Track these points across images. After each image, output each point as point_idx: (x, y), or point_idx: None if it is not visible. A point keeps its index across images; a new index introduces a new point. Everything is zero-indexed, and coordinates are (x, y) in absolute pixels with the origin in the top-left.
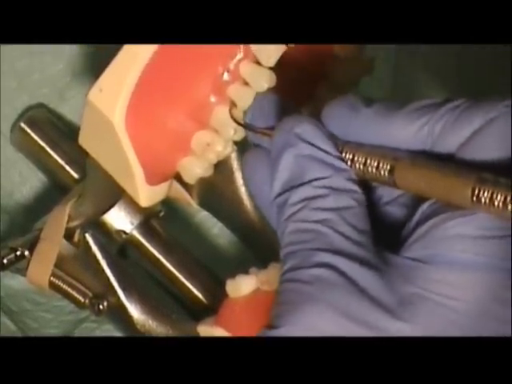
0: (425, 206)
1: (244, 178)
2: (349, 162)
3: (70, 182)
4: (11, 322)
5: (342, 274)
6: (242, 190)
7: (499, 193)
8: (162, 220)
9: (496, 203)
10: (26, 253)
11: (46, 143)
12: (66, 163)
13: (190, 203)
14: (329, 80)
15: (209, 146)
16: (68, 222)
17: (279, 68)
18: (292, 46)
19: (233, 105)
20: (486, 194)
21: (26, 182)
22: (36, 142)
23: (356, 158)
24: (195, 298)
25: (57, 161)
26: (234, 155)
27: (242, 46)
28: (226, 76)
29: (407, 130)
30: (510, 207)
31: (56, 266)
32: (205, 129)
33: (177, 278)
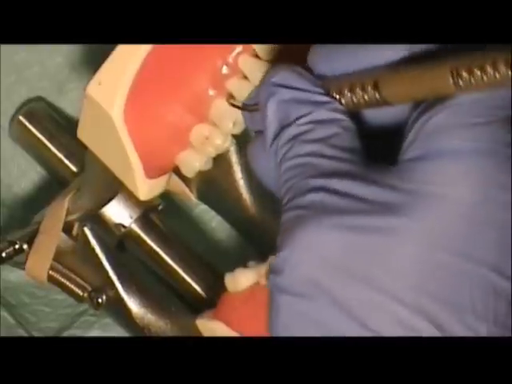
0: (414, 114)
1: (249, 164)
2: (337, 97)
3: (68, 175)
4: (10, 316)
5: (335, 192)
6: (241, 183)
7: (476, 65)
8: (161, 213)
9: (476, 77)
10: (25, 246)
11: (45, 136)
12: (65, 156)
13: (189, 197)
14: None
15: (207, 139)
16: (67, 215)
17: (278, 61)
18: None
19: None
20: (464, 72)
21: (25, 175)
22: (35, 135)
23: (342, 90)
24: (194, 291)
25: (55, 154)
26: (232, 149)
27: None
28: (224, 69)
29: (385, 48)
30: (489, 71)
31: (55, 259)
32: (203, 122)
33: (175, 271)
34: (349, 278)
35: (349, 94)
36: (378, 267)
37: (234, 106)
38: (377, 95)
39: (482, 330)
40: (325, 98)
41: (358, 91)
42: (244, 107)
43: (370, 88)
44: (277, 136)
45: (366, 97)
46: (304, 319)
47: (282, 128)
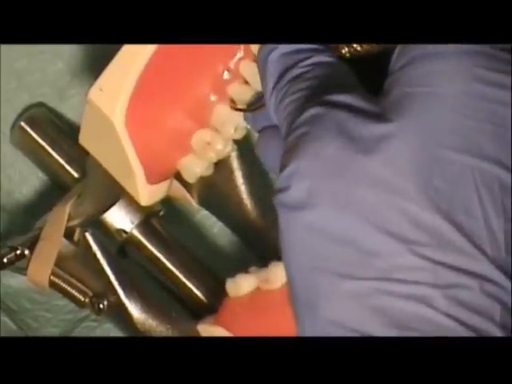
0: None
1: (260, 158)
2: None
3: (70, 181)
4: (11, 321)
5: (332, 104)
6: (242, 188)
7: None
8: (162, 219)
9: None
10: (26, 252)
11: (46, 142)
12: (66, 162)
13: (190, 202)
14: None
15: (209, 144)
16: (68, 221)
17: None
18: None
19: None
20: None
21: (26, 181)
22: (36, 141)
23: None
24: (195, 297)
25: (57, 160)
26: (234, 154)
27: (242, 45)
28: (226, 75)
29: None
30: None
31: (56, 265)
32: (205, 128)
33: (177, 277)
34: (354, 181)
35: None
36: (381, 168)
37: (236, 109)
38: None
39: (496, 227)
40: (321, 48)
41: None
42: (247, 108)
43: None
44: (277, 83)
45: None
46: (313, 230)
47: (281, 76)
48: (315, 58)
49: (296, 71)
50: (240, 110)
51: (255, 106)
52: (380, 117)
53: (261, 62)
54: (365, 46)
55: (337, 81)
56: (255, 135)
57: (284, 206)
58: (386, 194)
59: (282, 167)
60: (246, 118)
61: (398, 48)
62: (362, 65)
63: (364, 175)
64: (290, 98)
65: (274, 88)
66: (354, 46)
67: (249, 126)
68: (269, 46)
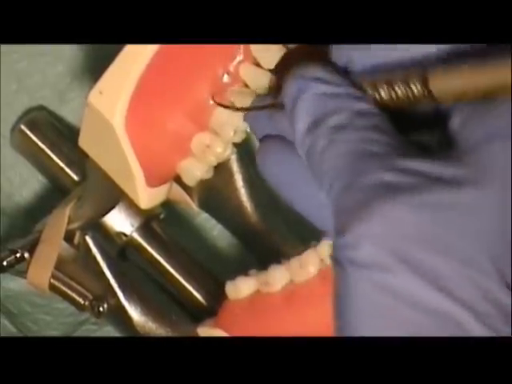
0: (462, 106)
1: (261, 173)
2: (371, 92)
3: (70, 184)
4: (11, 324)
5: (401, 170)
6: (242, 191)
7: None
8: (162, 222)
9: None
10: (26, 255)
11: (46, 145)
12: (66, 165)
13: (190, 205)
14: None
15: (209, 147)
16: (68, 223)
17: (279, 70)
18: (291, 47)
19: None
20: None
21: (26, 183)
22: (36, 144)
23: (378, 85)
24: (195, 299)
25: (57, 163)
26: (233, 157)
27: (241, 48)
28: (225, 78)
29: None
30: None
31: (56, 268)
32: (204, 131)
33: (177, 279)
34: (431, 250)
35: (386, 90)
36: (457, 240)
37: (236, 109)
38: (425, 91)
39: None
40: (359, 93)
41: (400, 86)
42: (247, 108)
43: (416, 83)
44: (311, 129)
45: (409, 92)
46: (385, 292)
47: (319, 120)
48: (357, 105)
49: (339, 118)
50: (240, 110)
51: (257, 107)
52: (456, 183)
53: (290, 98)
54: (401, 90)
55: (389, 137)
56: (255, 138)
57: (352, 262)
58: (461, 264)
59: (346, 225)
60: (246, 120)
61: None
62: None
63: (443, 248)
64: (337, 149)
65: (309, 130)
66: (395, 89)
67: (248, 129)
68: (299, 82)
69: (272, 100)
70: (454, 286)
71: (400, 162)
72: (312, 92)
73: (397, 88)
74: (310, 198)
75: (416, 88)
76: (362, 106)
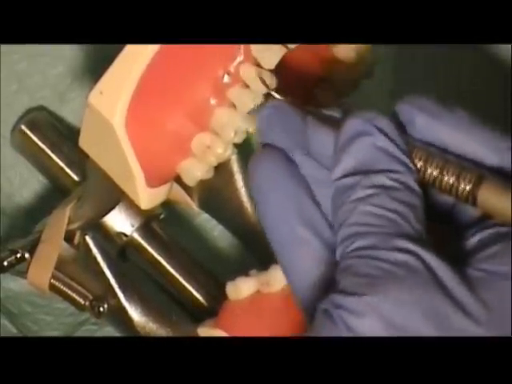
0: (500, 228)
1: (250, 177)
2: (419, 165)
3: (70, 184)
4: (11, 325)
5: (427, 265)
6: (243, 192)
7: None
8: (163, 222)
9: None
10: (27, 255)
11: (47, 145)
12: (67, 165)
13: (191, 205)
14: (329, 83)
15: (209, 148)
16: (68, 224)
17: (279, 71)
18: (292, 48)
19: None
20: None
21: (26, 184)
22: (36, 144)
23: (431, 161)
24: (195, 300)
25: (57, 163)
26: (234, 158)
27: (242, 48)
28: (226, 78)
29: (490, 147)
30: None
31: (56, 268)
32: (205, 131)
33: (177, 280)
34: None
35: (435, 172)
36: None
37: (265, 85)
38: (470, 193)
39: None
40: (412, 166)
41: (450, 178)
42: (274, 93)
43: (467, 183)
44: (355, 173)
45: (455, 187)
46: None
47: (367, 170)
48: (406, 176)
49: (386, 181)
50: (276, 97)
51: (291, 101)
52: (469, 314)
53: (348, 135)
54: (449, 183)
55: (420, 223)
56: (255, 138)
57: (349, 328)
58: None
59: (352, 287)
60: (260, 121)
61: (495, 248)
62: None
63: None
64: (373, 208)
65: (352, 173)
66: (443, 177)
67: (250, 130)
68: (364, 124)
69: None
70: None
71: (425, 254)
72: (373, 141)
73: (446, 177)
74: (282, 225)
75: (464, 187)
76: (412, 181)
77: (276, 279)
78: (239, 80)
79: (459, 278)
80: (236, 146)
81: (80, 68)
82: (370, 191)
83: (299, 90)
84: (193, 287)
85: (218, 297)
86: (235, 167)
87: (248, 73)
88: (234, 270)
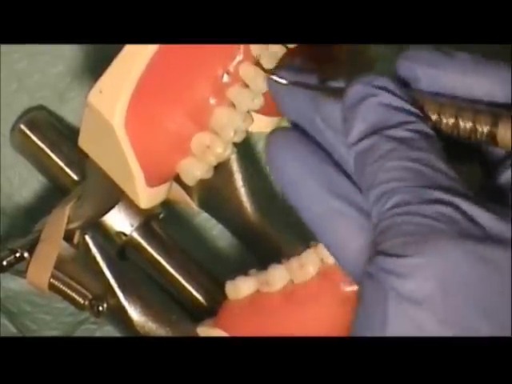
0: None
1: (268, 158)
2: (433, 117)
3: (69, 183)
4: (11, 324)
5: (463, 212)
6: (242, 191)
7: None
8: (162, 222)
9: None
10: (26, 254)
11: (46, 145)
12: (66, 165)
13: (190, 205)
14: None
15: (208, 147)
16: (68, 223)
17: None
18: (292, 47)
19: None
20: None
21: (26, 183)
22: (36, 143)
23: (444, 111)
24: (195, 299)
25: (56, 163)
26: (233, 157)
27: (241, 47)
28: (225, 78)
29: (500, 80)
30: None
31: (56, 267)
32: (204, 131)
33: (176, 279)
34: (472, 309)
35: (450, 121)
36: (500, 303)
37: (291, 83)
38: (489, 134)
39: None
40: (422, 114)
41: (466, 123)
42: (291, 82)
43: (484, 125)
44: (371, 133)
45: (473, 131)
46: (422, 330)
47: (381, 128)
48: (420, 125)
49: (400, 133)
50: (277, 81)
51: (295, 82)
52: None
53: (353, 99)
54: (466, 125)
55: (446, 166)
56: (255, 138)
57: (397, 292)
58: (499, 330)
59: (397, 248)
60: (279, 99)
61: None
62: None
63: (483, 302)
64: (398, 162)
65: (367, 134)
66: (459, 123)
67: (249, 129)
68: (366, 87)
69: (320, 83)
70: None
71: (461, 202)
72: (378, 100)
73: (461, 123)
74: (316, 203)
75: (482, 130)
76: (426, 127)
77: (275, 279)
78: (239, 79)
79: (496, 218)
80: (235, 145)
81: (80, 67)
82: (389, 146)
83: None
84: (192, 287)
85: (217, 296)
86: (235, 166)
87: (247, 72)
88: (233, 270)
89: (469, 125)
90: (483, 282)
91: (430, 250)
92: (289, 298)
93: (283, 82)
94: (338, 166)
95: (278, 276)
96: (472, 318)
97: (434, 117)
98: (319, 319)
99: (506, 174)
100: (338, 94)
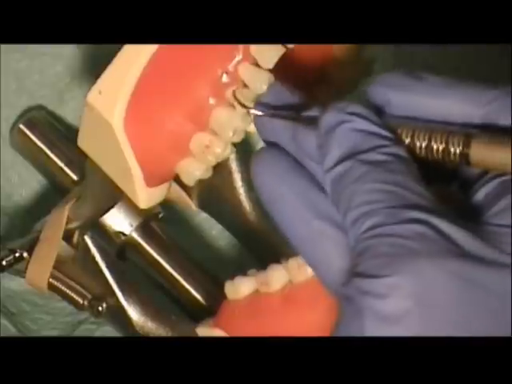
0: (502, 179)
1: (253, 181)
2: (406, 140)
3: (69, 183)
4: (10, 324)
5: (438, 230)
6: (241, 191)
7: None
8: (161, 222)
9: None
10: (25, 254)
11: (45, 145)
12: (65, 165)
13: (189, 205)
14: (328, 82)
15: (208, 147)
16: (67, 223)
17: (278, 70)
18: (291, 47)
19: (244, 86)
20: None
21: (25, 183)
22: (35, 143)
23: (417, 134)
24: (194, 299)
25: (56, 162)
26: (233, 157)
27: (240, 48)
28: (224, 78)
29: (473, 102)
30: None
31: (55, 267)
32: (204, 131)
33: (176, 279)
34: (451, 325)
35: (423, 142)
36: (479, 320)
37: (244, 106)
38: (462, 154)
39: None
40: (396, 139)
41: (439, 143)
42: (265, 114)
43: (456, 145)
44: (346, 158)
45: (447, 151)
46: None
47: (356, 153)
48: (394, 148)
49: (376, 157)
50: (255, 114)
51: (273, 114)
52: (487, 265)
53: (327, 127)
54: (437, 146)
55: (422, 188)
56: (254, 138)
57: (373, 312)
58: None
59: (374, 269)
60: (256, 123)
61: (504, 201)
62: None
63: (462, 319)
64: (372, 185)
65: (342, 159)
66: (432, 144)
67: (249, 129)
68: (339, 114)
69: (294, 112)
70: None
71: (435, 220)
72: (351, 126)
73: (434, 144)
74: (299, 223)
75: (455, 150)
76: (400, 150)
77: (274, 279)
78: (238, 79)
79: (472, 236)
80: (235, 145)
81: (79, 67)
82: (364, 169)
83: (298, 89)
84: (191, 287)
85: (216, 296)
86: (234, 166)
87: (247, 72)
88: (232, 270)
89: (442, 146)
90: (460, 298)
91: (406, 270)
92: (288, 298)
93: (260, 114)
94: (321, 187)
95: (277, 276)
96: (450, 334)
97: (407, 140)
98: (318, 319)
99: (480, 192)
100: (314, 122)
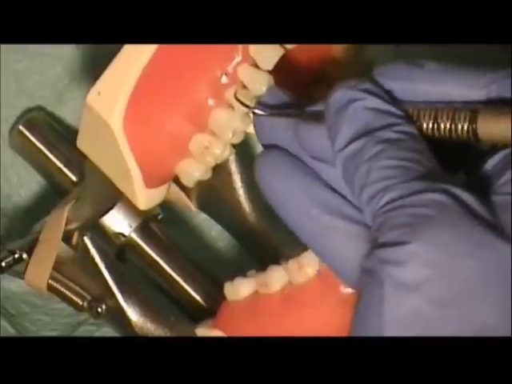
0: (510, 150)
1: (257, 183)
2: (413, 120)
3: (68, 184)
4: (9, 325)
5: (455, 197)
6: (241, 192)
7: None
8: (161, 223)
9: None
10: (25, 255)
11: (45, 146)
12: (65, 166)
13: (189, 206)
14: (328, 82)
15: (207, 149)
16: (66, 224)
17: (277, 71)
18: (290, 48)
19: (242, 87)
20: None
21: (25, 184)
22: (34, 144)
23: (423, 115)
24: (193, 300)
25: (55, 163)
26: (232, 158)
27: (240, 49)
28: (224, 79)
29: (472, 85)
30: None
31: (54, 268)
32: (203, 132)
33: (175, 280)
34: (470, 291)
35: (430, 122)
36: (496, 285)
37: (253, 112)
38: (470, 129)
39: None
40: (406, 117)
41: (446, 121)
42: (266, 114)
43: (463, 121)
44: (358, 136)
45: (454, 129)
46: (420, 316)
47: (368, 131)
48: (406, 127)
49: (389, 134)
50: (257, 114)
51: (276, 113)
52: (501, 233)
53: (337, 105)
54: (445, 125)
55: (434, 163)
56: (254, 139)
57: (393, 279)
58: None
59: (396, 237)
60: (256, 127)
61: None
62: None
63: (478, 283)
64: (387, 162)
65: (355, 137)
66: (439, 123)
67: (248, 130)
68: (350, 92)
69: (296, 110)
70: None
71: (452, 188)
72: (363, 103)
73: (441, 122)
74: (308, 220)
75: (462, 125)
76: (413, 129)
77: (274, 280)
78: (237, 81)
79: (485, 203)
80: (234, 146)
81: (78, 68)
82: (379, 147)
83: (297, 91)
84: (191, 287)
85: (216, 297)
86: (233, 168)
87: (246, 73)
88: (232, 271)
89: (448, 124)
90: (479, 264)
91: (425, 237)
92: (287, 299)
93: (264, 113)
94: (326, 183)
95: (276, 277)
96: (470, 300)
97: (415, 121)
98: (318, 320)
99: (487, 164)
100: (317, 118)
